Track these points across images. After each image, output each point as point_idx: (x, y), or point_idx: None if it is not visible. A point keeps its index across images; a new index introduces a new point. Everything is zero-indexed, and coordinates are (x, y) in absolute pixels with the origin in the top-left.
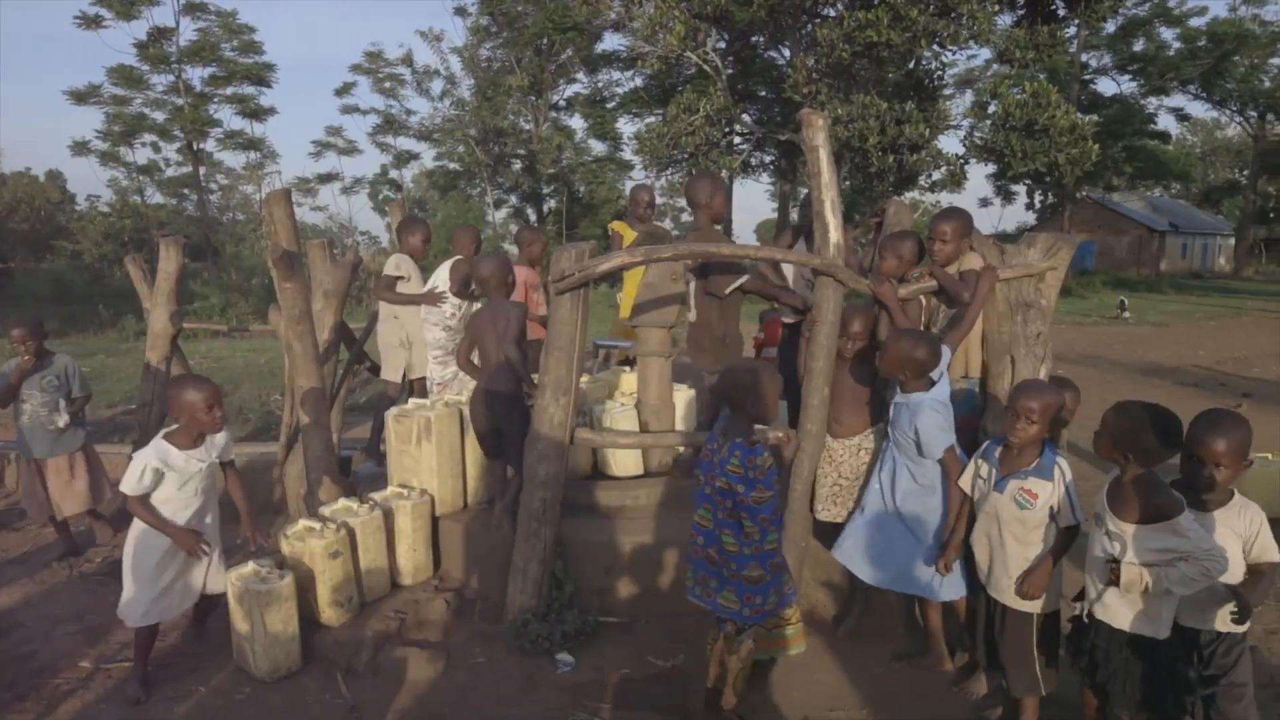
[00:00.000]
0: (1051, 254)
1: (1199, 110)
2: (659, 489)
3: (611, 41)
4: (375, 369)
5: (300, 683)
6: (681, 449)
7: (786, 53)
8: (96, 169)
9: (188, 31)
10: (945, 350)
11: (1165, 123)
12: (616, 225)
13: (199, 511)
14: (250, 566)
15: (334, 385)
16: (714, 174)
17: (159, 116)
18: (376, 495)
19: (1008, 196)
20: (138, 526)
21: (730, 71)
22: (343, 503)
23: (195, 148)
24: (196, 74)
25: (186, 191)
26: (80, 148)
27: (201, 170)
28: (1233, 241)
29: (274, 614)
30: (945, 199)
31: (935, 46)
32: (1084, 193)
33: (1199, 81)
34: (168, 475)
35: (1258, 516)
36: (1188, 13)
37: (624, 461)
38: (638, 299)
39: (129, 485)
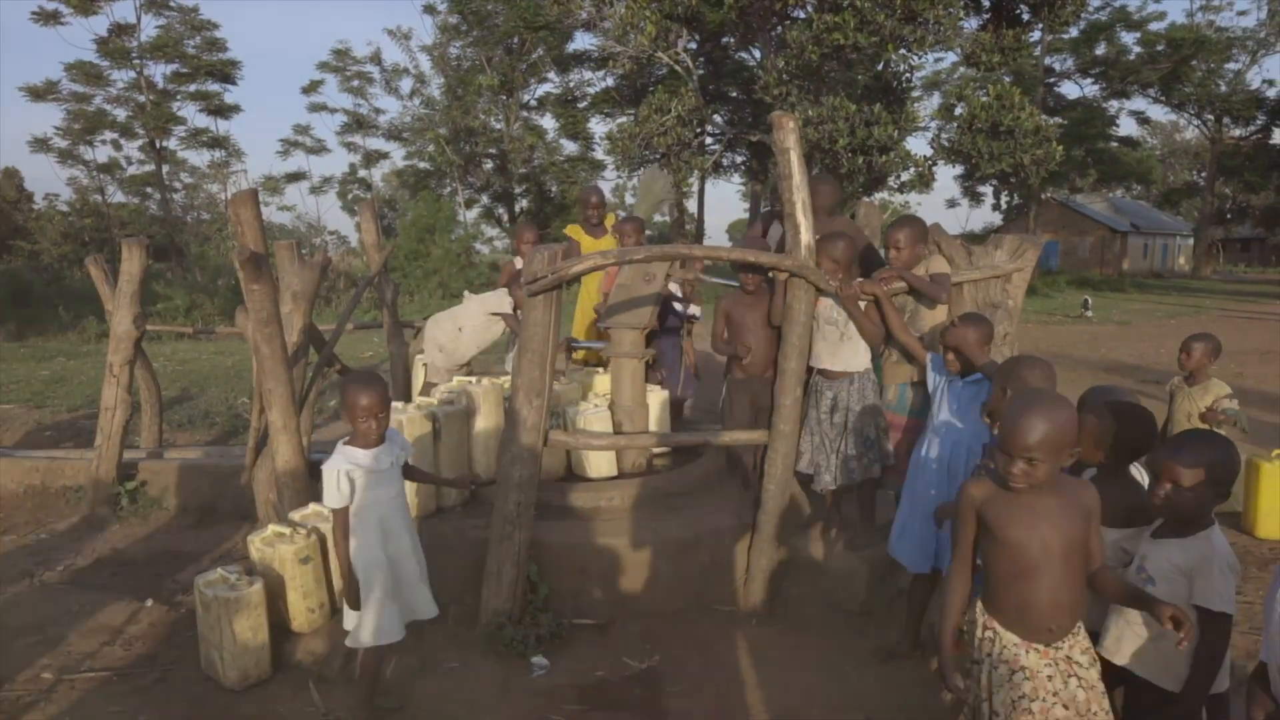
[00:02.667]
0: (1018, 255)
1: (1159, 113)
2: (633, 490)
3: (583, 41)
4: (345, 371)
5: (271, 691)
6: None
7: (757, 54)
8: (55, 167)
9: (149, 28)
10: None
11: (1126, 126)
12: (570, 230)
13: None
14: (218, 573)
15: (303, 388)
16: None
17: (120, 114)
18: None
19: (975, 197)
20: (353, 542)
21: (701, 72)
22: (313, 508)
23: (158, 145)
24: (159, 70)
25: (149, 190)
26: (40, 145)
27: (165, 169)
28: (1191, 242)
29: (243, 621)
30: (914, 200)
31: (902, 50)
32: (1048, 194)
33: (1158, 85)
34: (356, 479)
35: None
36: (1147, 18)
37: (598, 463)
38: (611, 300)
39: (331, 499)
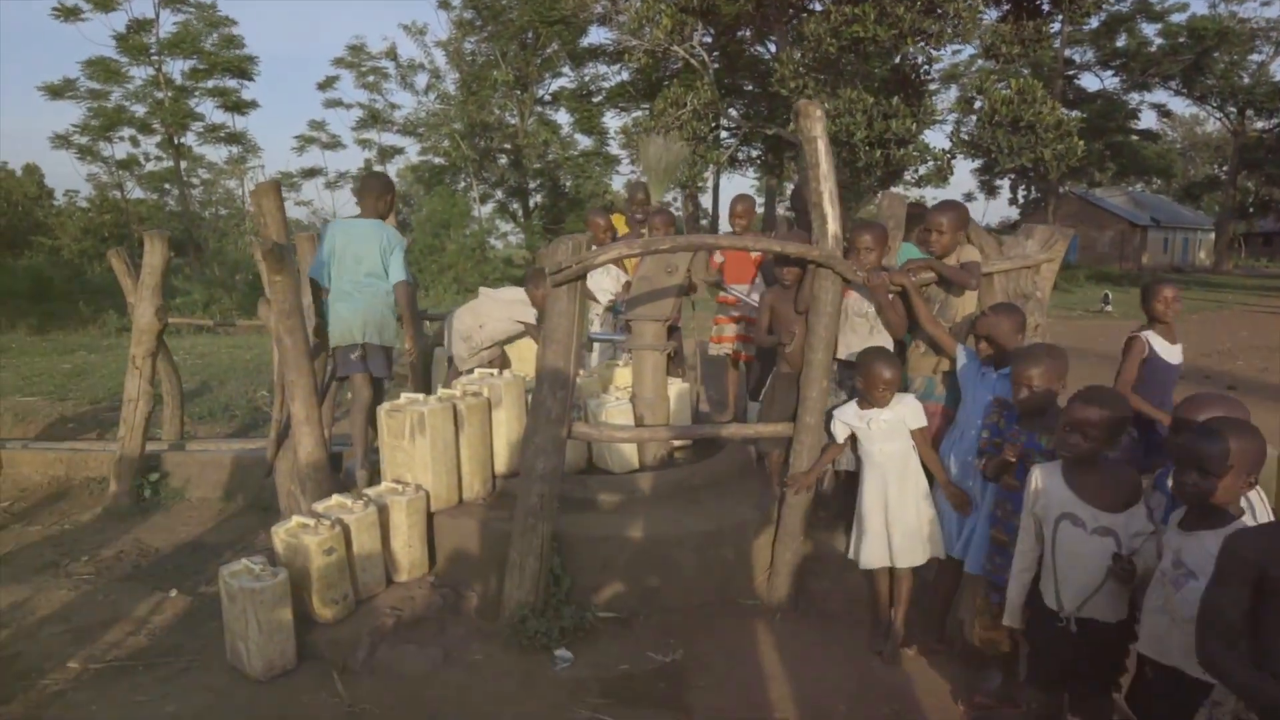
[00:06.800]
0: (1048, 246)
1: (1180, 106)
2: (656, 483)
3: (598, 35)
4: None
5: (295, 681)
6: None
7: (773, 47)
8: (75, 164)
9: (167, 24)
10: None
11: (1147, 119)
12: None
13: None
14: (243, 564)
15: (324, 380)
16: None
17: (139, 110)
18: (371, 491)
19: (991, 191)
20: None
21: (717, 66)
22: (336, 499)
23: (176, 142)
24: (177, 67)
25: (168, 186)
26: (62, 141)
27: (183, 165)
28: (1213, 236)
29: (268, 612)
30: (931, 194)
31: (921, 43)
32: (1067, 188)
33: (1180, 78)
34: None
35: None
36: (1169, 9)
37: (620, 456)
38: (633, 292)
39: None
